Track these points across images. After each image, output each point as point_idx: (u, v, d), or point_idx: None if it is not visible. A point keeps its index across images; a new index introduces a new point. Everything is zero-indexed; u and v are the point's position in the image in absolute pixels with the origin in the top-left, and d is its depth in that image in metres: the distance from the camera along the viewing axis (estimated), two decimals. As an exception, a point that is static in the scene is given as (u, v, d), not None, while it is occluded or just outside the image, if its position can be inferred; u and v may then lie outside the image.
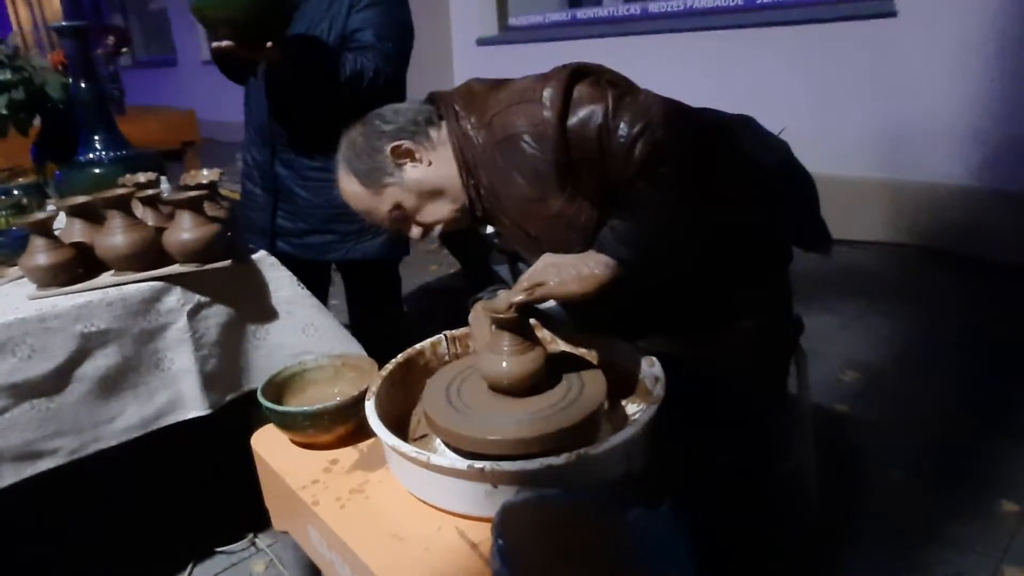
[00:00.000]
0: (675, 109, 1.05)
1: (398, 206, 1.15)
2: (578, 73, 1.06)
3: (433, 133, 1.15)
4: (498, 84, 1.16)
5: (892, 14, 3.34)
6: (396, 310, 2.20)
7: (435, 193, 1.15)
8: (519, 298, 1.00)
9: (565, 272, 1.02)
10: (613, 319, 1.18)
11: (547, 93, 1.04)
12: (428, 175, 1.14)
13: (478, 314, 1.14)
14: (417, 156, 1.14)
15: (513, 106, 1.07)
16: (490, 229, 1.26)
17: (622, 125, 1.01)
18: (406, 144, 1.13)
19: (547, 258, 1.06)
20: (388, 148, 1.13)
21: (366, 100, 1.77)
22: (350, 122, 1.50)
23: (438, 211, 1.17)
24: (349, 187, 1.18)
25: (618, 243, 1.03)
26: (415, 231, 1.19)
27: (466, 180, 1.14)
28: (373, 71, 1.72)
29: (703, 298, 1.18)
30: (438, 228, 1.19)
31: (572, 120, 1.03)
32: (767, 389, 1.27)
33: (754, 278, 1.21)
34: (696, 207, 1.05)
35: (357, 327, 2.08)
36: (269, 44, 1.56)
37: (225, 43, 1.56)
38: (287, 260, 1.59)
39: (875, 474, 1.84)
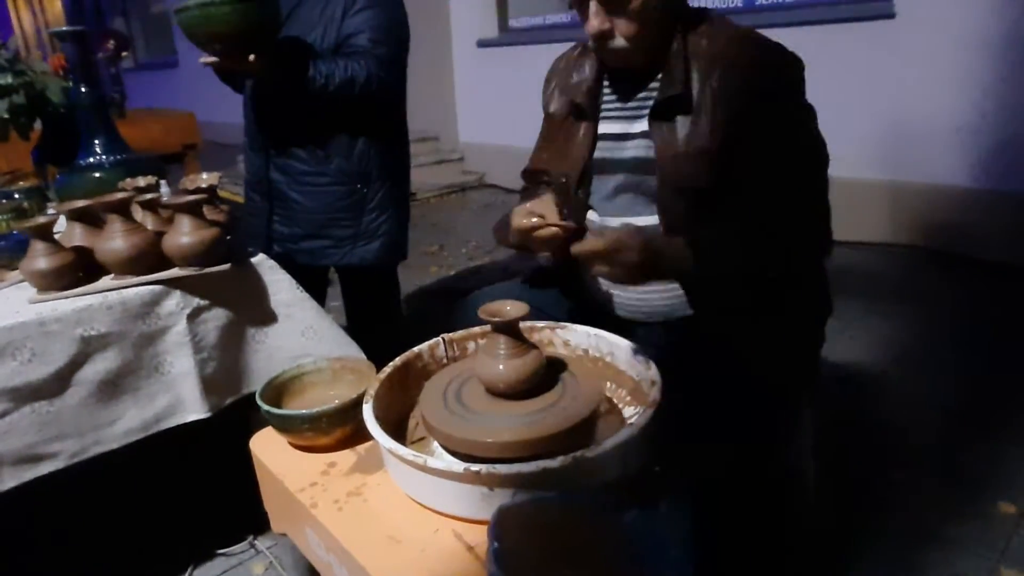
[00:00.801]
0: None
1: None
2: (803, 74, 1.14)
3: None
4: (731, 21, 1.19)
5: (891, 16, 3.34)
6: (395, 313, 2.20)
7: (656, 24, 1.12)
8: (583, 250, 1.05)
9: (627, 268, 1.08)
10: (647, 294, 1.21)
11: (780, 63, 1.11)
12: (668, 8, 1.13)
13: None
14: None
15: (749, 42, 1.12)
16: (610, 127, 1.23)
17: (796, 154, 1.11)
18: None
19: (624, 239, 1.08)
20: None
21: (360, 104, 1.79)
22: (341, 125, 1.51)
23: (640, 35, 1.12)
24: None
25: (699, 249, 1.09)
26: (603, 24, 1.12)
27: (684, 56, 1.13)
28: (365, 77, 1.72)
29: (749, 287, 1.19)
30: (619, 43, 1.14)
31: (778, 105, 1.10)
32: (787, 392, 1.27)
33: (796, 275, 1.23)
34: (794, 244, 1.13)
35: (356, 331, 2.09)
36: (253, 57, 1.57)
37: (210, 59, 1.58)
38: (285, 263, 1.60)
39: (874, 474, 1.84)
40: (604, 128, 1.24)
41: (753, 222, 1.11)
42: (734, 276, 1.13)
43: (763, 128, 1.10)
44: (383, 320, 2.10)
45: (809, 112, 1.16)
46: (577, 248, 1.08)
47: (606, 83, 1.26)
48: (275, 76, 1.68)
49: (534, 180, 1.40)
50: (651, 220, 1.20)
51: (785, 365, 1.21)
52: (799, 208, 1.14)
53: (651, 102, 1.16)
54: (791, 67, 1.12)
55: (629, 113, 1.21)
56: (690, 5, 1.18)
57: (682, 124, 1.13)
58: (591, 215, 1.30)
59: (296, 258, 1.92)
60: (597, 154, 1.25)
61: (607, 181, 1.25)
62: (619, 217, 1.24)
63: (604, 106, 1.25)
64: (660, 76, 1.16)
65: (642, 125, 1.18)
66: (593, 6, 1.11)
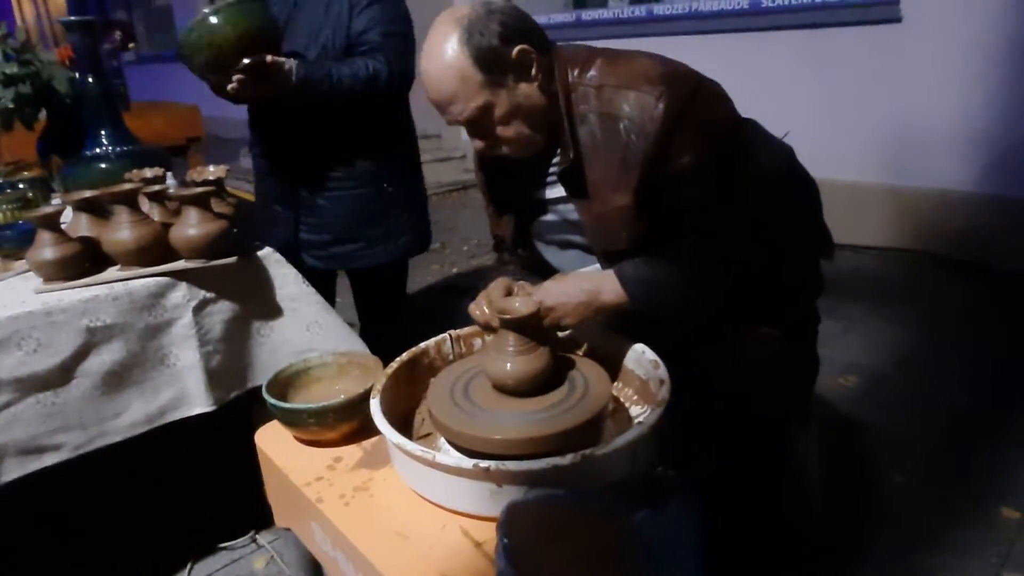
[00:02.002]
0: (763, 175, 1.12)
1: (488, 108, 1.06)
2: (698, 95, 1.05)
3: (546, 63, 1.10)
4: (618, 56, 1.13)
5: (897, 20, 3.34)
6: (406, 306, 2.20)
7: (530, 116, 1.09)
8: (529, 314, 1.02)
9: (572, 304, 1.08)
10: (637, 319, 1.19)
11: (663, 103, 1.03)
12: (535, 96, 1.09)
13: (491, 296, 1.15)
14: (535, 73, 1.08)
15: (625, 89, 1.06)
16: (550, 193, 1.22)
17: (714, 180, 1.06)
18: (534, 55, 1.07)
19: (559, 285, 1.09)
20: (516, 49, 1.05)
21: (381, 101, 1.79)
22: (364, 126, 1.50)
23: (520, 133, 1.10)
24: (451, 62, 1.04)
25: (637, 282, 1.07)
26: (481, 143, 1.12)
27: (568, 126, 1.10)
28: (387, 72, 1.72)
29: (730, 304, 1.18)
30: (505, 150, 1.13)
31: (675, 142, 1.04)
32: (788, 397, 1.26)
33: (783, 285, 1.21)
34: (737, 274, 1.10)
35: (369, 326, 2.09)
36: (271, 81, 1.58)
37: (232, 86, 1.59)
38: (312, 273, 1.61)
39: (876, 479, 1.84)
40: (539, 194, 1.23)
41: (687, 259, 1.09)
42: (671, 311, 1.11)
43: (674, 167, 1.05)
44: (396, 314, 2.10)
45: (717, 123, 1.09)
46: (505, 321, 1.04)
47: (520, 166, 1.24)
48: (304, 91, 1.66)
49: (496, 244, 1.42)
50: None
51: (780, 374, 1.21)
52: (732, 237, 1.10)
53: (557, 175, 1.16)
54: (680, 94, 1.04)
55: (552, 179, 1.21)
56: (574, 51, 1.14)
57: (593, 188, 1.12)
58: (547, 258, 1.32)
59: (326, 265, 1.92)
60: (541, 217, 1.26)
61: (556, 238, 1.28)
62: (577, 269, 1.24)
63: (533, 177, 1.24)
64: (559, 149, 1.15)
65: (562, 190, 1.18)
66: (466, 130, 1.12)
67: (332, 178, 1.85)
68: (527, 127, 1.10)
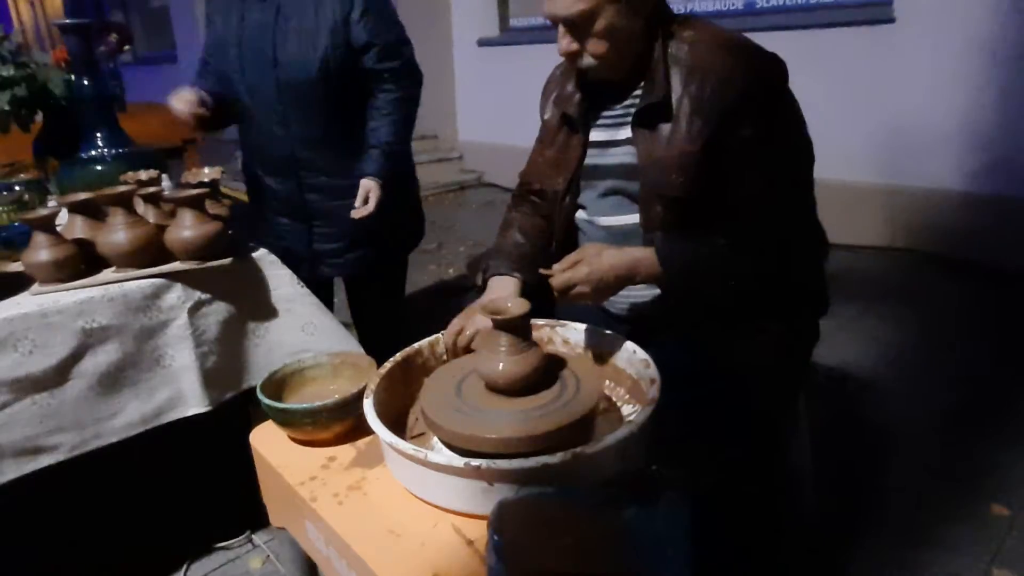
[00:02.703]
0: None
1: (593, 16, 1.09)
2: (783, 81, 1.12)
3: (653, 3, 1.14)
4: (714, 24, 1.19)
5: (890, 20, 3.35)
6: (403, 305, 2.22)
7: (624, 41, 1.13)
8: (556, 283, 1.06)
9: (605, 285, 1.09)
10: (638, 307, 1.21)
11: (751, 73, 1.09)
12: (637, 27, 1.13)
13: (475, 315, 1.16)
14: (643, 4, 1.12)
15: (719, 49, 1.12)
16: (599, 135, 1.24)
17: (774, 165, 1.10)
18: None
19: (594, 262, 1.09)
20: None
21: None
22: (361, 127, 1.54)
23: (608, 52, 1.13)
24: None
25: (678, 260, 1.10)
26: (571, 46, 1.14)
27: (663, 66, 1.13)
28: (412, 100, 1.85)
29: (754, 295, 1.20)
30: (588, 62, 1.15)
31: (750, 113, 1.09)
32: (782, 392, 1.28)
33: (787, 282, 1.23)
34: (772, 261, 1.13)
35: (366, 325, 2.10)
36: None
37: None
38: (326, 287, 1.66)
39: (869, 475, 1.85)
40: (594, 135, 1.27)
41: (729, 238, 1.12)
42: (705, 292, 1.14)
43: (743, 135, 1.10)
44: (394, 312, 2.11)
45: (793, 114, 1.16)
46: (555, 282, 1.10)
47: (594, 92, 1.28)
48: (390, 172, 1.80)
49: (525, 191, 1.43)
50: (636, 220, 1.23)
51: (778, 369, 1.22)
52: (779, 221, 1.14)
53: (635, 109, 1.18)
54: (771, 71, 1.13)
55: (615, 120, 1.23)
56: (672, 11, 1.19)
57: (663, 131, 1.15)
58: (580, 214, 1.33)
59: (341, 272, 1.95)
60: (587, 160, 1.28)
61: (597, 185, 1.28)
62: (608, 216, 1.26)
63: (593, 114, 1.27)
64: (643, 84, 1.18)
65: (627, 132, 1.20)
66: (560, 28, 1.14)
67: (342, 186, 1.83)
68: (616, 50, 1.13)
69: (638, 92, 1.19)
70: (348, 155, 1.83)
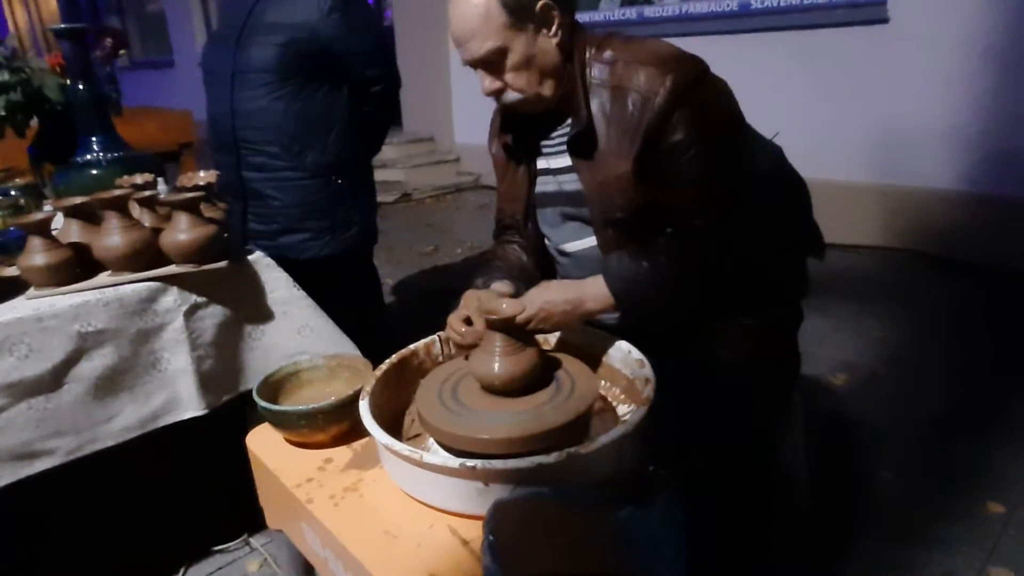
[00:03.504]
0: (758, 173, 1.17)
1: (503, 51, 1.10)
2: (703, 80, 1.11)
3: (566, 25, 1.14)
4: (632, 38, 1.18)
5: (884, 21, 3.37)
6: (376, 305, 2.22)
7: (542, 69, 1.13)
8: (513, 316, 1.05)
9: (556, 313, 1.10)
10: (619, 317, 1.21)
11: (670, 80, 1.08)
12: (551, 52, 1.12)
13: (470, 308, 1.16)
14: (555, 30, 1.12)
15: (637, 64, 1.11)
16: (543, 163, 1.25)
17: (704, 166, 1.10)
18: (557, 12, 1.11)
19: (542, 292, 1.12)
20: (541, 2, 1.09)
21: (337, 99, 1.89)
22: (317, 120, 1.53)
23: (530, 83, 1.13)
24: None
25: (622, 279, 1.10)
26: (493, 84, 1.14)
27: (583, 93, 1.14)
28: (388, 87, 1.86)
29: (712, 299, 1.20)
30: (512, 97, 1.15)
31: (674, 118, 1.08)
32: (769, 389, 1.28)
33: (766, 282, 1.23)
34: (719, 269, 1.13)
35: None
36: None
37: None
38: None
39: (864, 474, 1.86)
40: (542, 164, 1.28)
41: (672, 249, 1.13)
42: (656, 308, 1.14)
43: (672, 142, 1.10)
44: (362, 315, 2.10)
45: (718, 110, 1.14)
46: (491, 321, 1.07)
47: (530, 123, 1.28)
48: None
49: (501, 227, 1.45)
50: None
51: (768, 362, 1.23)
52: (723, 216, 1.13)
53: (567, 139, 1.19)
54: (689, 75, 1.09)
55: (556, 148, 1.24)
56: (589, 33, 1.18)
57: (598, 157, 1.15)
58: (548, 242, 1.35)
59: (273, 254, 1.94)
60: (541, 188, 1.29)
61: (553, 212, 1.30)
62: (571, 242, 1.28)
63: (534, 143, 1.28)
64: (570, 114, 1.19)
65: (568, 159, 1.21)
66: (480, 70, 1.15)
67: (281, 168, 1.88)
68: (537, 80, 1.14)
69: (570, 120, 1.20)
70: (289, 139, 1.86)
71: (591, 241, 1.23)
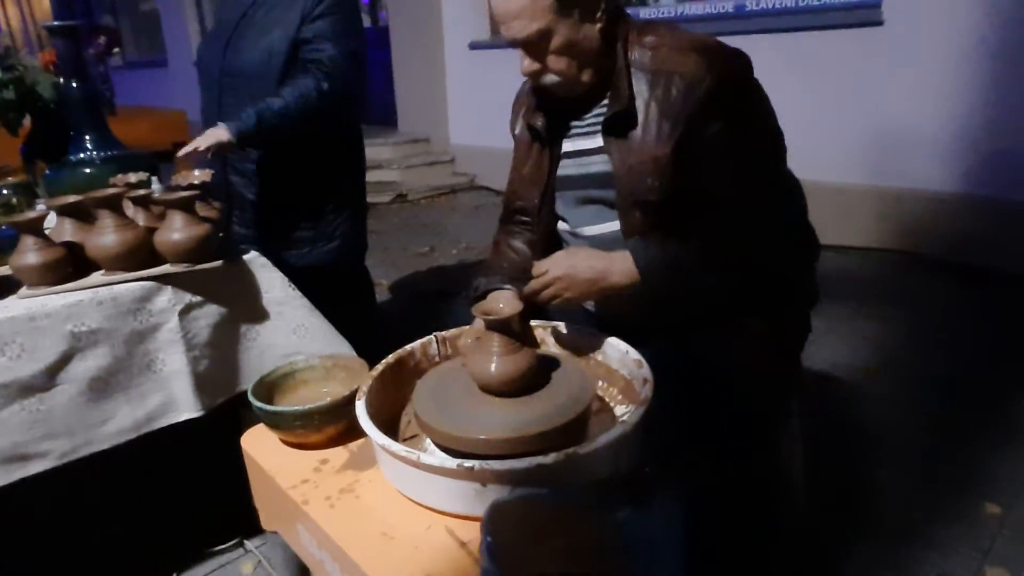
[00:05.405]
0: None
1: (547, 34, 1.10)
2: (747, 76, 1.13)
3: (611, 11, 1.15)
4: (677, 27, 1.19)
5: (879, 23, 3.38)
6: (370, 315, 2.19)
7: (583, 55, 1.14)
8: (528, 291, 1.07)
9: (579, 280, 1.10)
10: (624, 307, 1.21)
11: (716, 70, 1.09)
12: (594, 38, 1.13)
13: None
14: (599, 15, 1.13)
15: (682, 51, 1.12)
16: (568, 145, 1.25)
17: (744, 156, 1.11)
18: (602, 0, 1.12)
19: (569, 257, 1.11)
20: None
21: (327, 110, 1.81)
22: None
23: (569, 68, 1.14)
24: None
25: (651, 258, 1.10)
26: (533, 65, 1.15)
27: (626, 74, 1.15)
28: (316, 88, 1.74)
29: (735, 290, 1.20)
30: (550, 79, 1.16)
31: (716, 108, 1.09)
32: (774, 388, 1.28)
33: (772, 281, 1.23)
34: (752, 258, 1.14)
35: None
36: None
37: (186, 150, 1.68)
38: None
39: (860, 475, 1.86)
40: (567, 146, 1.28)
41: (704, 236, 1.13)
42: (682, 292, 1.14)
43: (712, 131, 1.11)
44: (354, 323, 2.08)
45: (760, 106, 1.17)
46: (527, 289, 1.12)
47: (561, 105, 1.28)
48: (248, 141, 1.73)
49: (510, 211, 1.45)
50: (617, 227, 1.23)
51: (769, 366, 1.22)
52: (753, 212, 1.15)
53: (603, 119, 1.19)
54: (735, 67, 1.13)
55: (586, 130, 1.24)
56: (631, 19, 1.20)
57: (633, 137, 1.16)
58: (563, 225, 1.34)
59: None
60: (563, 171, 1.29)
61: (575, 195, 1.29)
62: (590, 226, 1.27)
63: (563, 125, 1.28)
64: (609, 93, 1.19)
65: (599, 141, 1.21)
66: (520, 50, 1.15)
67: (265, 175, 1.88)
68: (577, 64, 1.14)
69: (605, 101, 1.20)
70: (278, 148, 1.85)
71: (611, 225, 1.22)
